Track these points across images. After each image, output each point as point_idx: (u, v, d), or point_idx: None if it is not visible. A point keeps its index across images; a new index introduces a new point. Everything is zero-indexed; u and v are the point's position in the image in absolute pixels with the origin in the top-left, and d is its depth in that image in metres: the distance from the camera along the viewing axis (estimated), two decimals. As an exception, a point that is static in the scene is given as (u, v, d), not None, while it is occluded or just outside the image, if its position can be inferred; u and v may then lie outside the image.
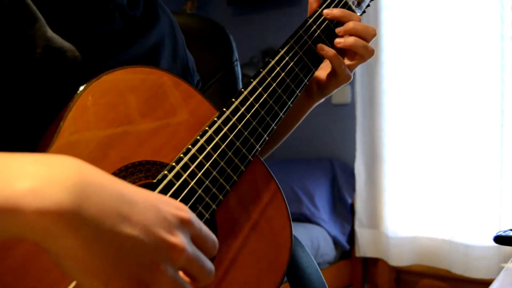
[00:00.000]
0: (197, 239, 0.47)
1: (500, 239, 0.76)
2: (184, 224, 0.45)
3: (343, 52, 0.84)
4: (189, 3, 3.40)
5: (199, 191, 0.64)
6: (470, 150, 2.30)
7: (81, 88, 0.61)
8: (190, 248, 0.45)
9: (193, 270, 0.46)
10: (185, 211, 0.46)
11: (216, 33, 1.14)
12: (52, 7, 0.65)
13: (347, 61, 0.84)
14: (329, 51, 0.80)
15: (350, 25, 0.82)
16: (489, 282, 0.69)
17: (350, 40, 0.81)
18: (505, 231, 0.77)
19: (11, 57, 0.61)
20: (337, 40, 0.82)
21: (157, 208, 0.44)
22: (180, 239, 0.44)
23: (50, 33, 0.63)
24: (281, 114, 0.75)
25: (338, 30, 0.82)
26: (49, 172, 0.40)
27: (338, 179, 2.73)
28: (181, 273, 0.46)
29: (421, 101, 2.46)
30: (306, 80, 0.79)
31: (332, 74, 0.85)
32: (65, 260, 0.40)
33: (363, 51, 0.82)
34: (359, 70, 2.62)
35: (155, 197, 0.45)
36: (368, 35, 0.82)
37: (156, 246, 0.42)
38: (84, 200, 0.39)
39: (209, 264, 0.47)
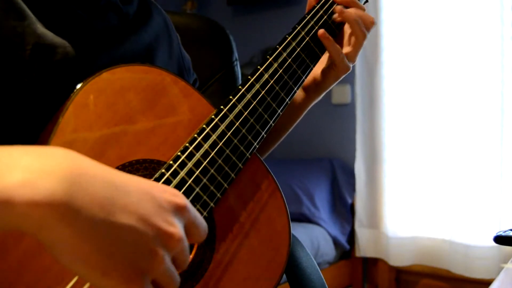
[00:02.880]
0: (191, 226, 0.47)
1: (500, 239, 0.76)
2: (179, 210, 0.45)
3: (340, 42, 0.84)
4: (189, 3, 3.40)
5: (197, 189, 0.64)
6: (470, 150, 2.30)
7: (78, 86, 0.60)
8: (185, 237, 0.45)
9: (180, 259, 0.46)
10: (180, 197, 0.46)
11: (216, 33, 1.14)
12: (43, 3, 0.65)
13: (344, 50, 0.84)
14: (330, 38, 0.81)
15: (351, 10, 0.83)
16: (489, 282, 0.69)
17: (349, 12, 0.82)
18: (505, 231, 0.76)
19: (0, 55, 0.60)
20: (338, 7, 0.82)
21: (152, 196, 0.44)
22: (177, 228, 0.44)
23: (40, 29, 0.63)
24: (279, 111, 0.75)
25: (337, 11, 0.83)
26: (41, 163, 0.39)
27: (338, 179, 2.72)
28: None
29: (421, 101, 2.46)
30: (304, 77, 0.79)
31: (329, 68, 0.85)
32: (61, 251, 0.40)
33: (359, 29, 0.83)
34: (359, 70, 2.62)
35: (149, 184, 0.45)
36: (367, 23, 0.83)
37: (153, 235, 0.42)
38: (76, 191, 0.39)
39: (188, 255, 0.47)
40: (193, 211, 0.47)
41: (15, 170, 0.38)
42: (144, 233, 0.41)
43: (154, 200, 0.44)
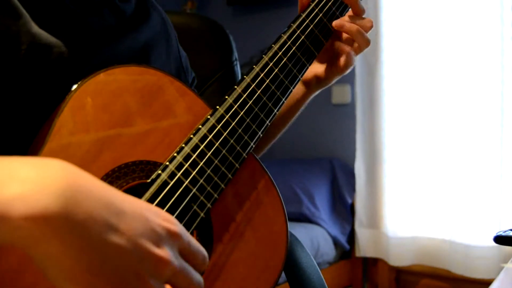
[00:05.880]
0: (185, 253, 0.46)
1: (500, 239, 0.76)
2: (171, 236, 0.45)
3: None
4: (189, 3, 3.40)
5: (194, 190, 0.64)
6: (470, 150, 2.29)
7: (73, 88, 0.60)
8: (176, 261, 0.44)
9: (180, 284, 0.45)
10: (173, 224, 0.46)
11: (216, 33, 1.14)
12: (38, 1, 0.64)
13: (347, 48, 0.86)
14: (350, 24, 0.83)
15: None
16: (489, 282, 0.69)
17: (351, 25, 0.83)
18: (505, 231, 0.76)
19: None
20: (336, 22, 0.83)
21: (145, 218, 0.43)
22: (166, 252, 0.43)
23: (35, 29, 0.62)
24: (275, 110, 0.75)
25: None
26: (38, 176, 0.39)
27: (338, 179, 2.72)
28: (168, 287, 0.45)
29: (421, 101, 2.46)
30: (300, 76, 0.79)
31: (331, 64, 0.86)
32: (50, 267, 0.39)
33: (362, 39, 0.84)
34: (359, 70, 2.62)
35: (144, 206, 0.45)
36: (365, 27, 0.84)
37: (141, 257, 0.42)
38: (72, 206, 0.39)
39: (197, 277, 0.47)
40: (187, 238, 0.46)
41: (11, 182, 0.38)
42: (132, 255, 0.41)
43: (147, 222, 0.43)
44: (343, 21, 0.83)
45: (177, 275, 0.44)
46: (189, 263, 0.47)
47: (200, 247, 0.48)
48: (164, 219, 0.45)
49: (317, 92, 0.91)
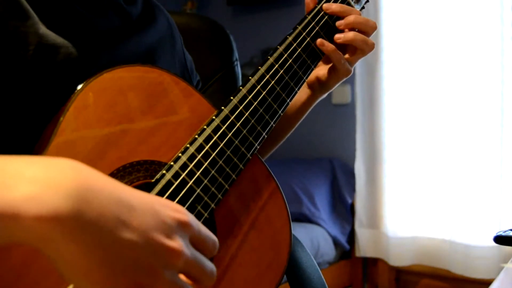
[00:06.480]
0: (196, 241, 0.47)
1: (500, 239, 0.76)
2: (182, 226, 0.45)
3: (343, 46, 0.84)
4: (189, 3, 3.40)
5: (198, 190, 0.64)
6: (470, 150, 2.30)
7: (79, 87, 0.60)
8: (188, 251, 0.45)
9: (194, 273, 0.45)
10: (183, 213, 0.46)
11: (216, 33, 1.14)
12: (45, 3, 0.65)
13: (347, 56, 0.84)
14: (329, 46, 0.80)
15: (350, 18, 0.81)
16: (489, 282, 0.69)
17: (349, 35, 0.81)
18: (505, 231, 0.76)
19: (3, 55, 0.60)
20: (337, 35, 0.81)
21: (155, 211, 0.44)
22: (178, 243, 0.44)
23: (43, 30, 0.63)
24: (280, 111, 0.74)
25: (338, 23, 0.82)
26: (47, 176, 0.39)
27: (338, 179, 2.72)
28: (183, 276, 0.45)
29: (421, 101, 2.46)
30: (305, 77, 0.79)
31: (332, 69, 0.85)
32: (64, 265, 0.40)
33: (363, 45, 0.82)
34: (359, 70, 2.62)
35: (153, 199, 0.45)
36: (369, 28, 0.83)
37: (154, 251, 0.42)
38: (83, 205, 0.39)
39: (210, 265, 0.47)
40: (197, 226, 0.47)
41: (21, 182, 0.38)
42: (145, 249, 0.42)
43: (157, 216, 0.44)
44: (345, 31, 0.82)
45: (190, 265, 0.45)
46: (200, 250, 0.47)
47: (210, 233, 0.48)
48: (173, 210, 0.46)
49: (322, 97, 0.91)
